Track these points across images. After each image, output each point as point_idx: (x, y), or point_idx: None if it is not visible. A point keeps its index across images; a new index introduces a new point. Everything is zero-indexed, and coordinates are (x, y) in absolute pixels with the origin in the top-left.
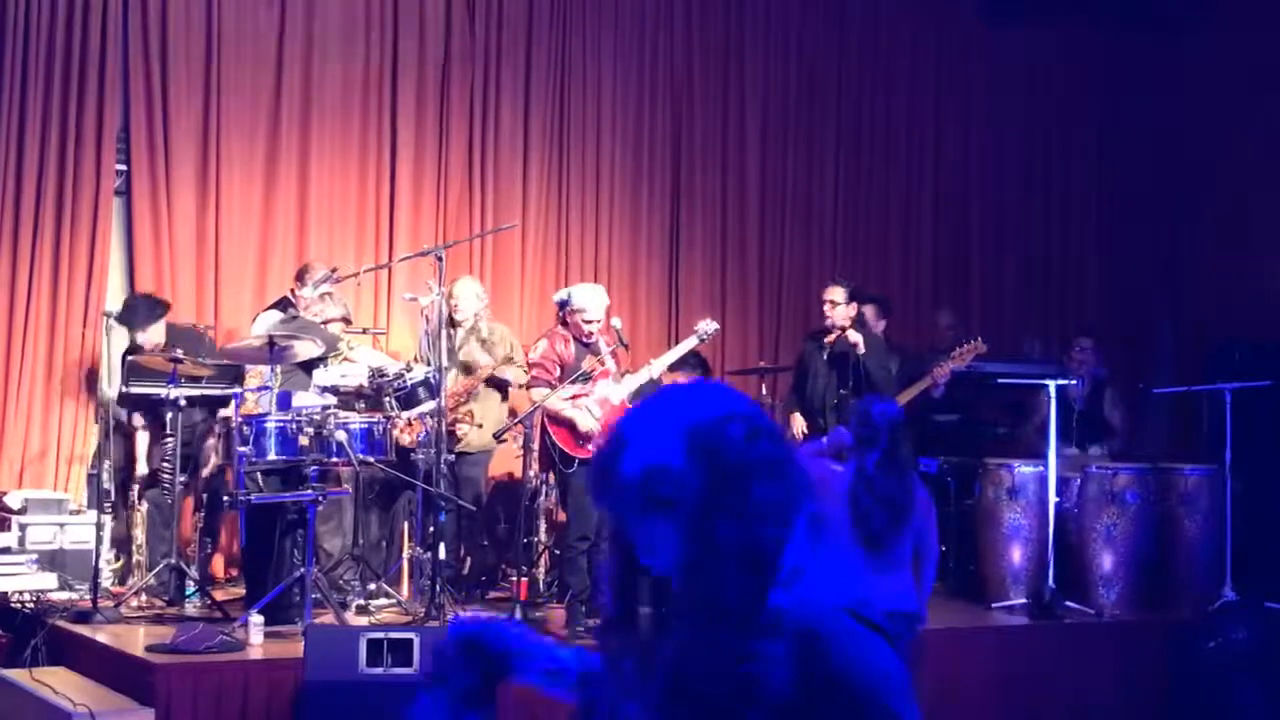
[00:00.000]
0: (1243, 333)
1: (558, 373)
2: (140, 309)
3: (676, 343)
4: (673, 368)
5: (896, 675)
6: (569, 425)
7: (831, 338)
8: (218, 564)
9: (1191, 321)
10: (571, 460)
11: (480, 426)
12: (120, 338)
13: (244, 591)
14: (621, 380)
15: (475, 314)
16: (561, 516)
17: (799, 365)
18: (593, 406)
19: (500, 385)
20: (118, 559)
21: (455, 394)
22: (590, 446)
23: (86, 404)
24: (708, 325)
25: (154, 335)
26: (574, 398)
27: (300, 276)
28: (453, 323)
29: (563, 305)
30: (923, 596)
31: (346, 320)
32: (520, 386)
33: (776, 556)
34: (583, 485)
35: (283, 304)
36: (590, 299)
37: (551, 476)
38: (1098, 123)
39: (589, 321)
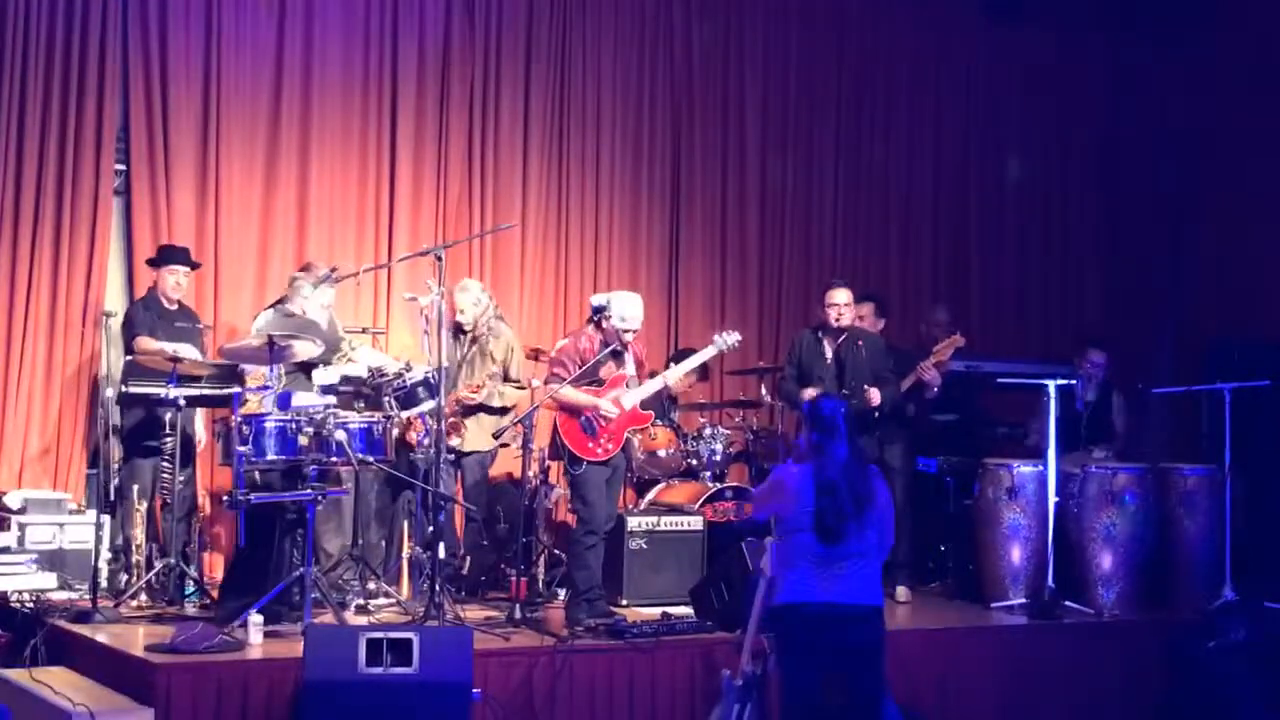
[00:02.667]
0: (1242, 333)
1: (576, 371)
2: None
3: (676, 342)
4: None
5: None
6: (580, 421)
7: (840, 339)
8: (218, 564)
9: (1191, 321)
10: (580, 460)
11: (464, 433)
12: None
13: None
14: (636, 386)
15: (476, 320)
16: (560, 516)
17: (798, 360)
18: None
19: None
20: (116, 559)
21: (451, 401)
22: (599, 450)
23: (86, 404)
24: (728, 337)
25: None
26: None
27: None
28: (460, 329)
29: (599, 310)
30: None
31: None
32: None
33: None
34: (590, 482)
35: (284, 303)
36: (634, 308)
37: (556, 474)
38: (1098, 123)
39: (628, 330)
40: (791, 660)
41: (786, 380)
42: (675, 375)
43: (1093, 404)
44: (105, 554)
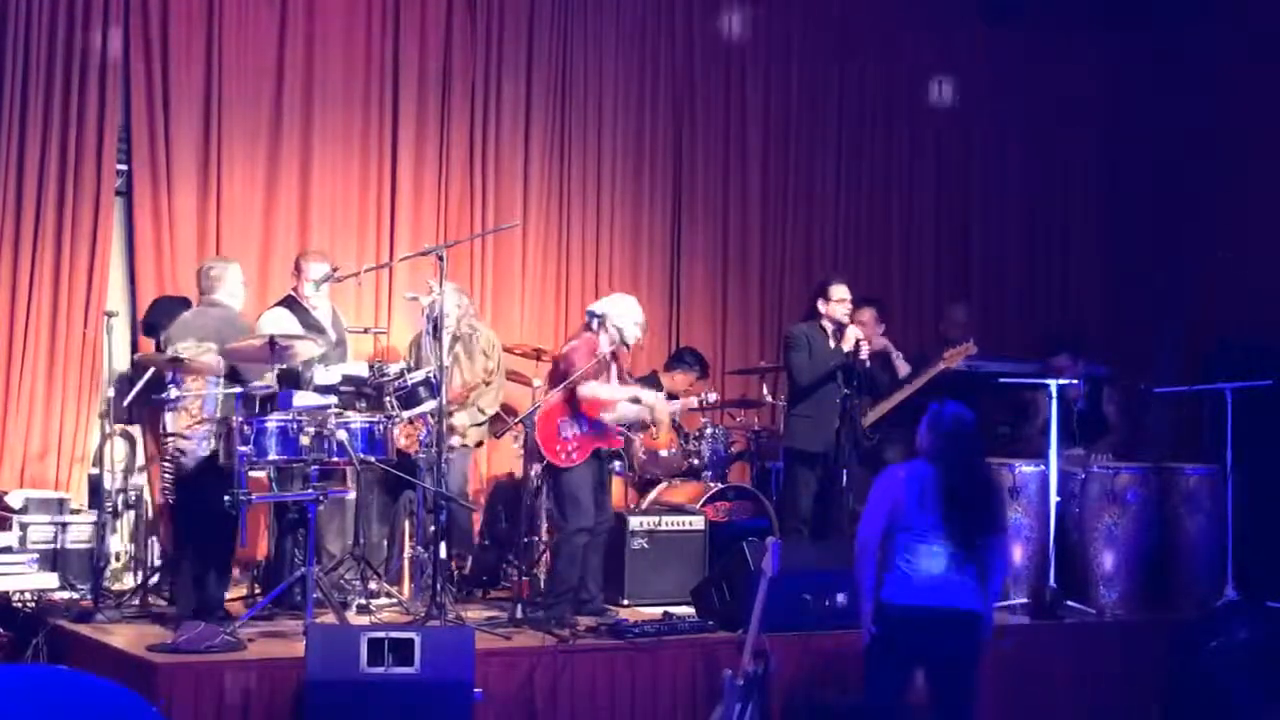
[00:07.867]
0: (1243, 332)
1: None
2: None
3: (677, 341)
4: (669, 368)
5: None
6: (558, 422)
7: (851, 344)
8: None
9: (1191, 321)
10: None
11: (452, 429)
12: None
13: (244, 591)
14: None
15: (458, 320)
16: None
17: (808, 350)
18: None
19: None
20: (118, 559)
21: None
22: (561, 455)
23: (87, 403)
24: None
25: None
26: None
27: (297, 269)
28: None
29: (599, 317)
30: (991, 598)
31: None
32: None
33: None
34: (580, 481)
35: (288, 302)
36: (640, 315)
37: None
38: (1098, 123)
39: (635, 336)
40: (887, 660)
41: (803, 368)
42: (663, 409)
43: (1084, 398)
44: (107, 554)
